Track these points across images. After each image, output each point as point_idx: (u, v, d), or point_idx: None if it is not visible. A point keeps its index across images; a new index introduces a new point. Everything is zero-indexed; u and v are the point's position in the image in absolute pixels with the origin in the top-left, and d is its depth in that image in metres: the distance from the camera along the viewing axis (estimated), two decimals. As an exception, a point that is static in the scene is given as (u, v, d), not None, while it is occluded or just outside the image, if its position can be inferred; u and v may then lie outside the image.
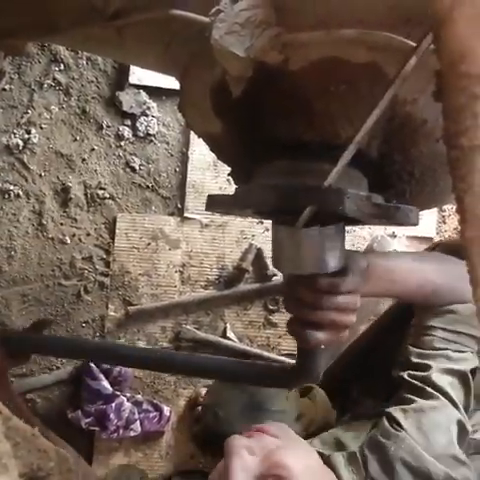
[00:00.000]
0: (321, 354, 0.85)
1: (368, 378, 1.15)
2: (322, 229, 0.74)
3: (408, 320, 1.04)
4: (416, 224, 0.76)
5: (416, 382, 0.92)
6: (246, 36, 0.67)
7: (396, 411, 0.90)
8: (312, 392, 1.22)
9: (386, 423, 0.89)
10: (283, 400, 1.20)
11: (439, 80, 0.43)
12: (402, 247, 1.84)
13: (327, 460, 0.88)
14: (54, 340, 1.25)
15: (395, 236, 1.89)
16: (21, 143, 1.81)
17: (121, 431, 1.70)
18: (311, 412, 1.18)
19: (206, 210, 0.86)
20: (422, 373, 0.92)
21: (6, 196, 1.80)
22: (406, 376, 0.93)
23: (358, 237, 1.89)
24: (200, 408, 1.19)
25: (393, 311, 1.19)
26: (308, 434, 1.08)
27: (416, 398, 0.91)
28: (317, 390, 1.22)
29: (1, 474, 0.38)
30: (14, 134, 1.82)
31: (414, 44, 0.56)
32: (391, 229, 1.89)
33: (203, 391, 1.77)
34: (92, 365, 1.72)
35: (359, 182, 0.78)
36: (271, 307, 1.84)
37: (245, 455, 0.78)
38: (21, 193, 1.81)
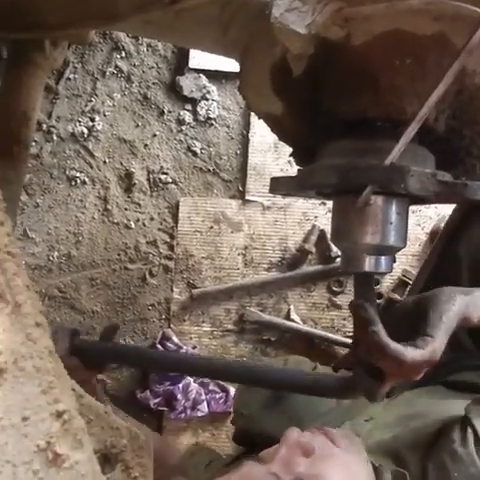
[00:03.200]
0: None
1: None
2: (379, 204, 0.73)
3: None
4: None
5: None
6: (307, 12, 0.66)
7: (478, 418, 0.77)
8: None
9: (455, 443, 0.76)
10: None
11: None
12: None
13: (377, 472, 0.80)
14: (125, 349, 1.32)
15: (463, 215, 1.82)
16: (86, 131, 1.85)
17: (188, 411, 1.74)
18: None
19: (270, 192, 0.87)
20: None
21: (73, 183, 1.85)
22: None
23: (424, 217, 1.84)
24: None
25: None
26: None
27: None
28: None
29: (76, 450, 0.39)
30: (79, 122, 1.86)
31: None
32: (459, 208, 1.83)
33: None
34: (159, 346, 1.76)
35: (424, 159, 0.75)
36: (335, 289, 1.82)
37: (296, 451, 0.74)
38: (87, 180, 1.85)
